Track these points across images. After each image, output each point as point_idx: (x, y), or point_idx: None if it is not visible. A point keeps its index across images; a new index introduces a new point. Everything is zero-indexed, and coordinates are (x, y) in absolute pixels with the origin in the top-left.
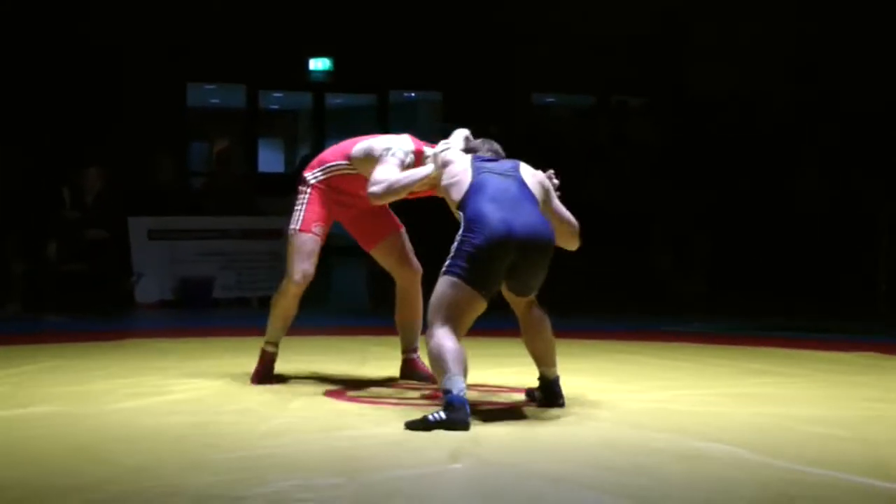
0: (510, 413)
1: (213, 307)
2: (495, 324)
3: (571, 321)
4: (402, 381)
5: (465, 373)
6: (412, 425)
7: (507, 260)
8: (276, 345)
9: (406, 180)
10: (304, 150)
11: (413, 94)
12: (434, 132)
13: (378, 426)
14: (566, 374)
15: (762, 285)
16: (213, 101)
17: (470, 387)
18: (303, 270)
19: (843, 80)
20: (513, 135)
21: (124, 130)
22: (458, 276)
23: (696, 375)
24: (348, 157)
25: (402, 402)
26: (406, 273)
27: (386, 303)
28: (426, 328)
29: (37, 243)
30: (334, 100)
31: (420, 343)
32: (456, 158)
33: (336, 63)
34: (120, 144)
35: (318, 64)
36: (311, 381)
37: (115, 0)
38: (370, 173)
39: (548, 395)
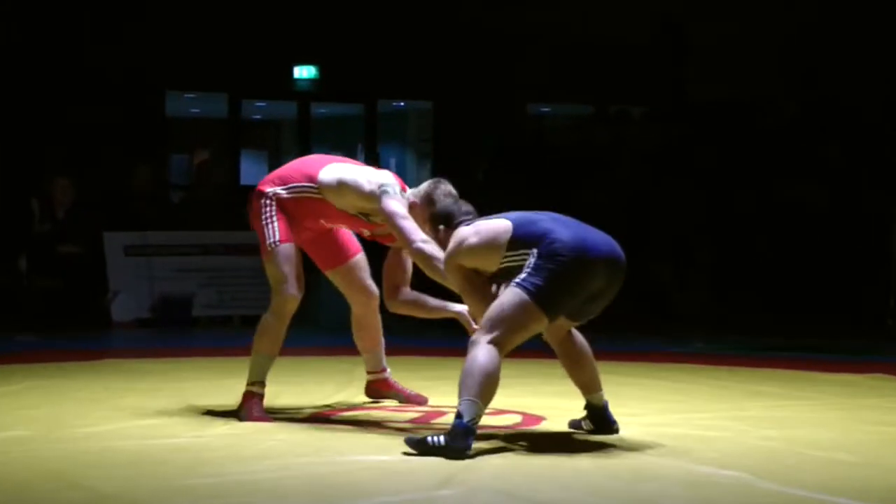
0: (505, 437)
1: (193, 326)
2: None
3: None
4: (387, 404)
5: (489, 401)
6: (411, 443)
7: (592, 281)
8: (263, 384)
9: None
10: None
11: (402, 104)
12: (424, 143)
13: (364, 450)
14: (561, 398)
15: (766, 296)
16: (194, 110)
17: None
18: (297, 281)
19: (845, 83)
20: (508, 146)
21: (99, 140)
22: (530, 292)
23: (700, 398)
24: (314, 181)
25: (389, 425)
26: (363, 298)
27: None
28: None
29: (6, 257)
30: (320, 109)
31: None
32: (464, 228)
33: (322, 71)
34: (94, 155)
35: (304, 72)
36: (296, 403)
37: (93, 7)
38: (343, 203)
39: (600, 423)
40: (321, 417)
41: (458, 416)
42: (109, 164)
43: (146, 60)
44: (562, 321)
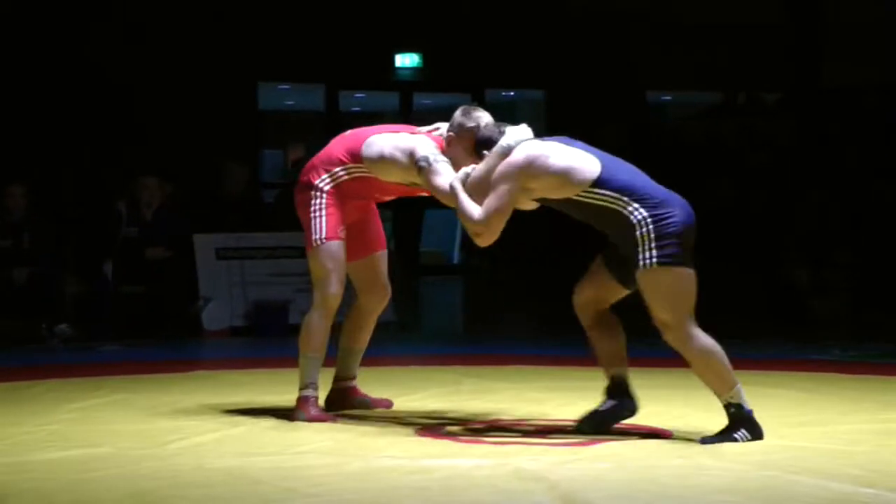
0: (626, 450)
1: (290, 334)
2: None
3: None
4: (487, 417)
5: (735, 377)
6: (713, 441)
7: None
8: (316, 386)
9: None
10: None
11: (512, 93)
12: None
13: (471, 464)
14: (689, 410)
15: None
16: (288, 102)
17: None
18: (340, 280)
19: None
20: (627, 138)
21: (188, 136)
22: (680, 263)
23: (838, 409)
24: (360, 160)
25: (499, 438)
26: (380, 294)
27: (481, 325)
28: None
29: (92, 262)
30: (423, 100)
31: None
32: (540, 147)
33: (425, 59)
34: (183, 152)
35: (406, 60)
36: (399, 416)
37: None
38: (390, 177)
39: (623, 396)
40: (429, 432)
41: (738, 406)
42: (198, 161)
43: (237, 50)
44: (615, 290)
